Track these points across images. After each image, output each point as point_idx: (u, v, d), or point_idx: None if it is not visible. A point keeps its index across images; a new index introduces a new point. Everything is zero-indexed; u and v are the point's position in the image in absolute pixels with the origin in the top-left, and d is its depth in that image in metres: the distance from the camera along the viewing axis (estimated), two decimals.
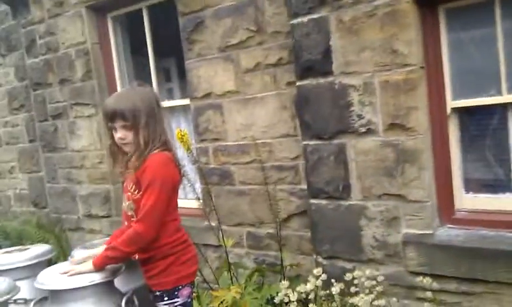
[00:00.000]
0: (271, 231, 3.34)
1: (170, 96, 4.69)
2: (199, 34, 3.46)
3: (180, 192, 4.20)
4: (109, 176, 4.33)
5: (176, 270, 2.02)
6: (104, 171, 4.40)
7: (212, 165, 3.58)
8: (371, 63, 2.33)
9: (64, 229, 4.85)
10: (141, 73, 4.36)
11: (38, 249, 2.70)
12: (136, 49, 4.41)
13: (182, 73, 3.90)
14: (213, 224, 3.29)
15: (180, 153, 3.09)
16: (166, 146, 2.02)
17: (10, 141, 5.37)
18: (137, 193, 1.95)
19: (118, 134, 1.96)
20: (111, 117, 1.95)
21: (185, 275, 2.06)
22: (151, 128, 1.95)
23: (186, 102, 3.79)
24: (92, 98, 4.35)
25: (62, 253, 4.46)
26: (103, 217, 4.50)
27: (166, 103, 4.10)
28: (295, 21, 2.54)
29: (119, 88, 4.35)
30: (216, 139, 3.52)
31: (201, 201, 3.21)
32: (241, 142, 3.39)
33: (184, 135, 2.61)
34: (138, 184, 1.94)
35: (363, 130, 2.37)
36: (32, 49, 4.77)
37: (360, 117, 2.38)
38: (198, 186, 3.56)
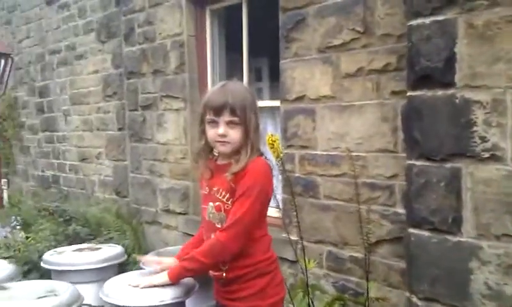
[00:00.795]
0: (355, 254, 3.01)
1: (259, 97, 4.50)
2: (298, 33, 3.22)
3: None
4: (190, 172, 4.22)
5: (273, 292, 1.81)
6: (185, 167, 4.31)
7: (296, 174, 3.32)
8: (504, 77, 1.94)
9: (142, 221, 4.82)
10: (232, 70, 4.22)
11: (110, 251, 2.59)
12: (230, 45, 4.28)
13: (274, 74, 3.70)
14: (292, 237, 3.02)
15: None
16: (260, 152, 1.81)
17: (100, 127, 5.48)
18: (231, 203, 1.74)
19: (220, 130, 1.73)
20: (218, 110, 1.72)
21: (280, 299, 1.84)
22: (258, 129, 1.78)
23: (275, 103, 3.58)
24: (182, 92, 4.27)
25: (137, 245, 4.42)
26: (180, 213, 4.40)
27: None
28: (414, 22, 2.20)
29: (209, 84, 4.23)
30: (304, 147, 3.26)
31: (280, 210, 2.95)
32: (331, 153, 3.10)
33: (274, 141, 2.38)
34: (233, 192, 1.73)
35: (486, 155, 1.98)
36: (130, 38, 4.82)
37: (484, 140, 1.99)
38: (279, 193, 3.32)
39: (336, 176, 3.10)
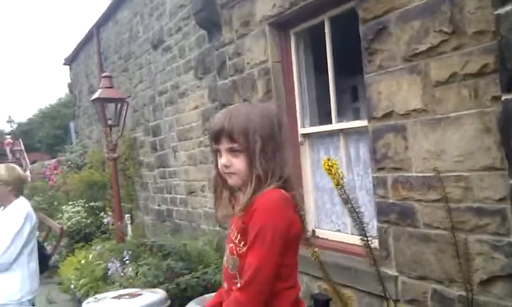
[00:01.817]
0: (464, 294, 2.53)
1: (356, 117, 4.18)
2: (381, 43, 2.90)
3: (336, 224, 3.70)
4: None
5: None
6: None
7: (390, 200, 2.95)
8: None
9: None
10: (321, 92, 3.99)
11: (149, 298, 2.48)
12: (316, 66, 4.07)
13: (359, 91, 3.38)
14: (388, 271, 2.66)
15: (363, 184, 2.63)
16: (286, 183, 1.52)
17: (202, 160, 5.59)
18: (243, 245, 1.49)
19: (222, 159, 1.52)
20: (216, 136, 1.53)
21: None
22: (269, 155, 1.48)
23: (362, 123, 3.27)
24: None
25: None
26: None
27: (339, 126, 3.65)
28: (502, 10, 1.80)
29: (298, 109, 4.05)
30: (397, 169, 2.88)
31: (369, 240, 2.59)
32: (427, 174, 2.68)
33: (332, 166, 2.09)
34: (244, 233, 1.48)
35: None
36: (223, 71, 4.86)
37: None
38: (367, 219, 2.98)
39: (435, 201, 2.67)
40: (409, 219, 2.84)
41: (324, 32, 3.66)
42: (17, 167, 3.87)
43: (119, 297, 2.66)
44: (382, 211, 3.01)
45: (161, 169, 6.93)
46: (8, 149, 27.95)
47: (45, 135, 37.18)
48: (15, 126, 35.86)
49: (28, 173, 13.64)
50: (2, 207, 3.66)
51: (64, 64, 12.93)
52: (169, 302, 2.68)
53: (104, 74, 6.89)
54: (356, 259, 3.31)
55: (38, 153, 29.19)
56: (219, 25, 4.84)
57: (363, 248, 2.60)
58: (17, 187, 3.65)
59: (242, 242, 1.48)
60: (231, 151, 1.51)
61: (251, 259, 1.43)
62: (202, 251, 4.67)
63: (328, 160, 2.11)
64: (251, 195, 1.47)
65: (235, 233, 1.53)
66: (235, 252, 1.52)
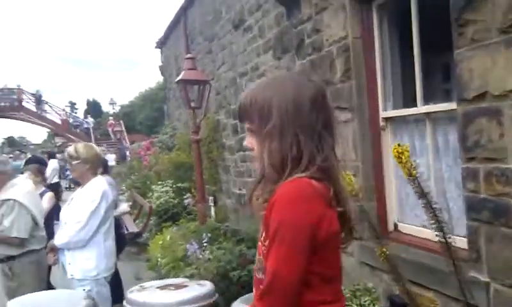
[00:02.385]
0: None
1: (446, 99, 3.73)
2: (473, 12, 2.48)
3: (421, 218, 3.30)
4: (361, 193, 3.73)
5: None
6: (356, 187, 3.82)
7: (482, 195, 2.54)
8: None
9: None
10: (406, 72, 3.60)
11: (194, 291, 2.30)
12: (401, 43, 3.66)
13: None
14: (475, 275, 2.30)
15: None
16: (325, 174, 1.24)
17: None
18: (267, 243, 1.24)
19: (245, 140, 1.34)
20: (239, 116, 1.34)
21: None
22: (289, 138, 1.23)
23: (451, 106, 2.87)
24: (348, 101, 3.82)
25: None
26: (354, 238, 3.92)
27: (425, 109, 3.24)
28: None
29: (380, 89, 3.70)
30: (490, 159, 2.47)
31: (448, 240, 2.24)
32: None
33: (402, 153, 1.77)
34: (267, 229, 1.24)
35: None
36: (301, 50, 4.59)
37: None
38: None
39: None
40: (505, 218, 2.42)
41: (410, 4, 3.25)
42: (95, 145, 3.95)
43: (164, 287, 2.58)
44: (472, 207, 2.62)
45: (241, 153, 6.85)
46: (110, 129, 30.01)
47: (145, 117, 39.22)
48: (117, 108, 38.34)
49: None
50: (81, 185, 3.77)
51: (156, 47, 13.34)
52: (216, 295, 2.53)
53: (187, 55, 6.91)
54: (443, 260, 2.94)
55: (139, 134, 30.92)
56: (299, 1, 4.57)
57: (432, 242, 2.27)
58: (95, 166, 3.72)
59: (267, 240, 1.24)
60: (250, 131, 1.30)
61: (269, 262, 1.20)
62: None
63: (398, 146, 1.80)
64: (267, 184, 1.25)
65: (261, 229, 1.30)
66: (261, 252, 1.29)
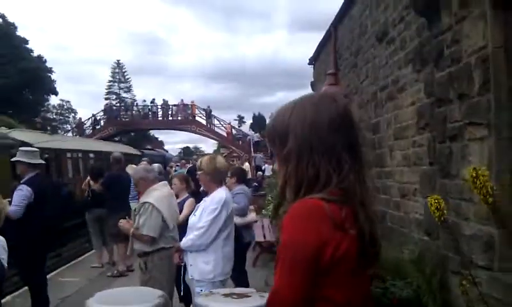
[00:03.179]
0: None
1: None
2: None
3: None
4: (493, 216, 3.33)
5: None
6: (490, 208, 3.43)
7: None
8: None
9: (447, 270, 4.12)
10: None
11: (255, 302, 2.23)
12: None
13: None
14: None
15: None
16: (339, 195, 1.19)
17: (416, 161, 5.10)
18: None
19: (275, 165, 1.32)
20: (267, 140, 1.36)
21: None
22: (306, 160, 1.21)
23: None
24: (485, 116, 3.47)
25: (431, 298, 3.78)
26: (482, 267, 3.52)
27: None
28: None
29: None
30: None
31: None
32: None
33: (478, 176, 1.57)
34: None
35: None
36: (440, 61, 4.30)
37: None
38: None
39: None
40: None
41: None
42: (218, 158, 4.18)
43: (228, 295, 2.62)
44: None
45: (378, 168, 6.63)
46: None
47: None
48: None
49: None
50: (208, 194, 4.07)
51: (309, 64, 13.67)
52: None
53: (329, 71, 6.99)
54: None
55: None
56: (439, 11, 4.30)
57: None
58: (215, 178, 3.98)
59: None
60: (276, 155, 1.32)
61: (274, 280, 1.19)
62: (401, 261, 4.25)
63: (476, 169, 1.60)
64: (279, 206, 1.26)
65: None
66: None
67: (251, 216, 6.41)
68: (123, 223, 4.48)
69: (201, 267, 3.83)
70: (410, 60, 5.24)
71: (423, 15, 4.67)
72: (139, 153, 22.31)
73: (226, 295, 2.72)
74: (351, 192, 1.21)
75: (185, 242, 3.91)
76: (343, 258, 1.16)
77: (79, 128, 34.61)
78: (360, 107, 7.60)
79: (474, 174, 1.67)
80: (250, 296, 2.65)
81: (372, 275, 3.92)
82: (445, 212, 1.81)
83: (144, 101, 37.59)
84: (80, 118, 35.14)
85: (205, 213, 3.87)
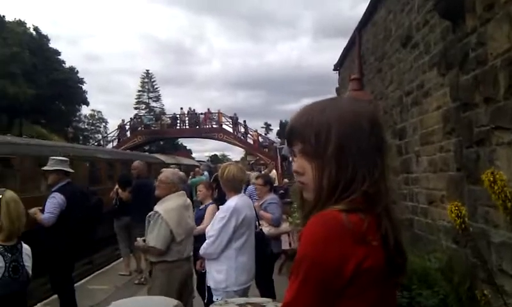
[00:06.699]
0: None
1: None
2: None
3: None
4: None
5: None
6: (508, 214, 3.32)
7: None
8: None
9: (477, 279, 4.00)
10: None
11: None
12: None
13: None
14: None
15: None
16: (365, 201, 1.13)
17: (443, 167, 4.99)
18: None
19: (294, 165, 1.24)
20: (288, 135, 1.25)
21: None
22: (343, 162, 1.14)
23: None
24: None
25: None
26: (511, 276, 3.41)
27: None
28: None
29: None
30: None
31: None
32: None
33: (496, 180, 1.51)
34: None
35: None
36: (465, 65, 4.21)
37: None
38: None
39: None
40: None
41: None
42: (230, 167, 4.10)
43: (243, 305, 2.59)
44: None
45: (404, 174, 6.51)
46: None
47: None
48: None
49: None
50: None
51: (334, 70, 13.57)
52: None
53: (352, 76, 6.92)
54: None
55: None
56: (463, 13, 4.21)
57: None
58: (229, 186, 3.98)
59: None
60: (302, 153, 1.21)
61: (286, 293, 1.12)
62: (428, 269, 4.15)
63: (491, 173, 1.54)
64: (308, 212, 1.17)
65: None
66: None
67: (284, 226, 6.21)
68: (138, 240, 4.50)
69: (215, 276, 3.82)
70: (435, 64, 5.14)
71: (447, 18, 4.58)
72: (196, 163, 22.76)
73: (240, 305, 2.71)
74: (377, 199, 1.15)
75: (200, 249, 3.93)
76: (367, 270, 1.09)
77: (121, 132, 34.92)
78: (384, 112, 7.49)
79: (492, 179, 1.60)
80: (265, 306, 2.63)
81: (398, 284, 3.84)
82: (466, 219, 1.74)
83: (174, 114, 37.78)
84: (119, 125, 35.34)
85: (215, 222, 3.87)
